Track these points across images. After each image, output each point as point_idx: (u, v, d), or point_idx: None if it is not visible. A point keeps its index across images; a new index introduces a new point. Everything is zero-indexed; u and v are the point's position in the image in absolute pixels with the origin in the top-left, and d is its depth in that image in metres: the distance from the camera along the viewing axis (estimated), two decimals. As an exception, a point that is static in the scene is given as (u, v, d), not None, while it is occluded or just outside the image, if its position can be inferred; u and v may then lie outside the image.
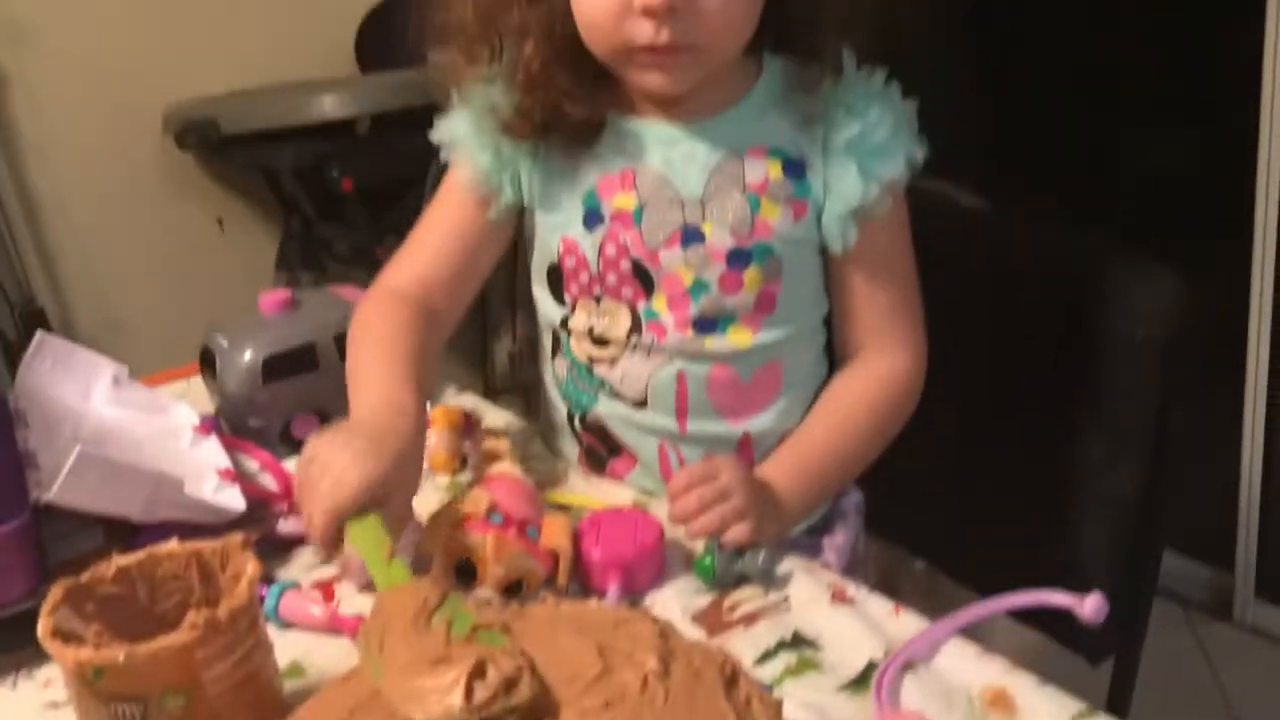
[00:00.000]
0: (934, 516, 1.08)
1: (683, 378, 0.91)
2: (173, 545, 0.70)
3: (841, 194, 0.87)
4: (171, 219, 2.25)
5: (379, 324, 0.90)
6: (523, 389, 2.41)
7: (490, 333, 2.48)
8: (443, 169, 0.97)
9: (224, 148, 2.10)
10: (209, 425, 0.99)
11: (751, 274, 0.89)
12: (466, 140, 0.93)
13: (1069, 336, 0.97)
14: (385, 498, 0.74)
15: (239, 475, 0.92)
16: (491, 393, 2.43)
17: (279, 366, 1.00)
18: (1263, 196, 1.66)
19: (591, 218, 0.91)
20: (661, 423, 0.93)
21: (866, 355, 0.93)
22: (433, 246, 0.95)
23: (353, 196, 2.07)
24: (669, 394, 0.92)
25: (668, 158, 0.89)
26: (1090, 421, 0.97)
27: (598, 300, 0.92)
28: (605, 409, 0.95)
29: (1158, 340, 0.93)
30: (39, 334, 0.99)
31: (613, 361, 0.93)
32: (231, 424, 1.02)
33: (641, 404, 0.93)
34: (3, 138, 2.04)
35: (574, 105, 0.87)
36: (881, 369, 0.92)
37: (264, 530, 0.88)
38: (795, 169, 0.88)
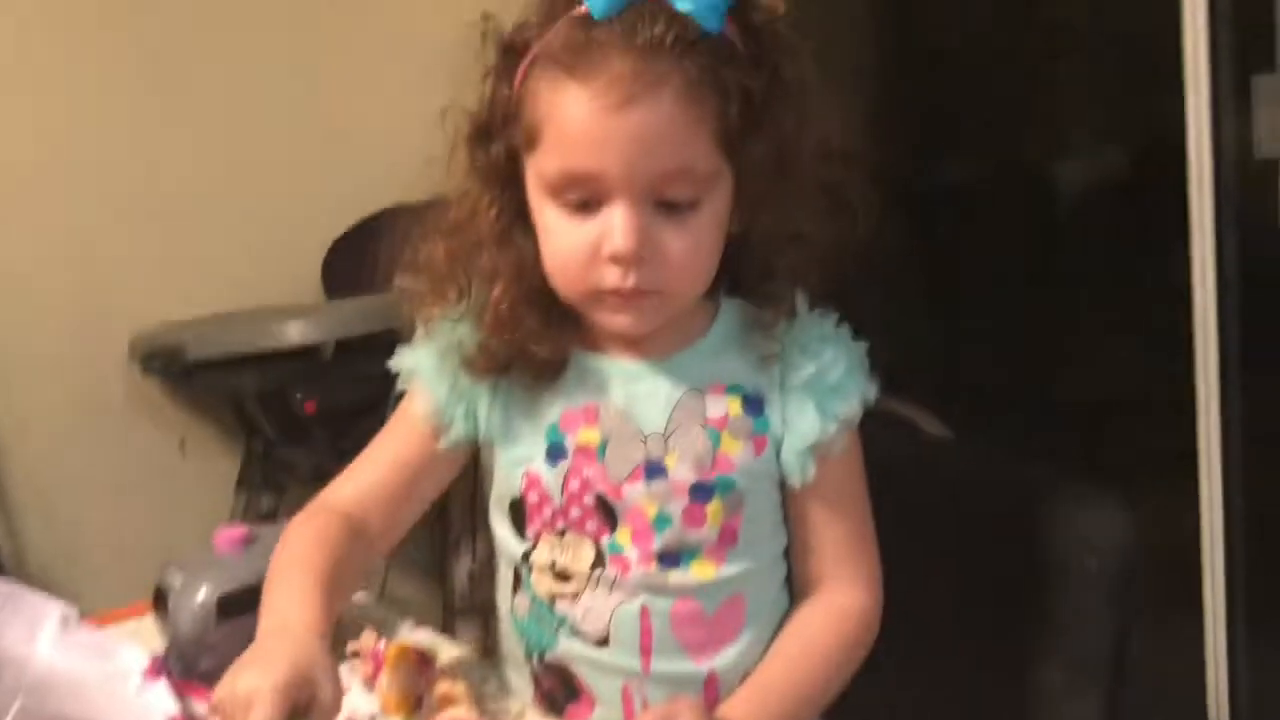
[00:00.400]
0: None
1: (646, 613, 0.91)
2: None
3: (800, 430, 0.90)
4: (133, 443, 2.23)
5: (298, 541, 0.92)
6: (482, 610, 2.37)
7: (450, 551, 2.45)
8: (400, 395, 0.98)
9: (189, 374, 2.11)
10: (158, 668, 0.97)
11: (714, 507, 0.90)
12: (426, 369, 0.95)
13: (1025, 563, 0.98)
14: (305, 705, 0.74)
15: (187, 722, 0.90)
16: (450, 613, 2.38)
17: (234, 605, 0.99)
18: (1204, 416, 1.70)
19: (555, 452, 0.92)
20: (625, 662, 0.92)
21: (825, 589, 0.93)
22: (376, 469, 0.97)
23: (314, 419, 2.07)
24: (633, 631, 0.91)
25: (630, 393, 0.91)
26: (1051, 649, 0.97)
27: (561, 534, 0.93)
28: (566, 648, 0.94)
29: (1110, 568, 0.94)
30: (-16, 581, 0.97)
31: (575, 597, 0.92)
32: (183, 665, 1.00)
33: (603, 642, 0.92)
34: (-37, 363, 2.05)
35: (540, 345, 0.90)
36: (841, 603, 0.93)
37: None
38: (754, 405, 0.91)
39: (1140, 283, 1.84)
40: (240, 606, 0.98)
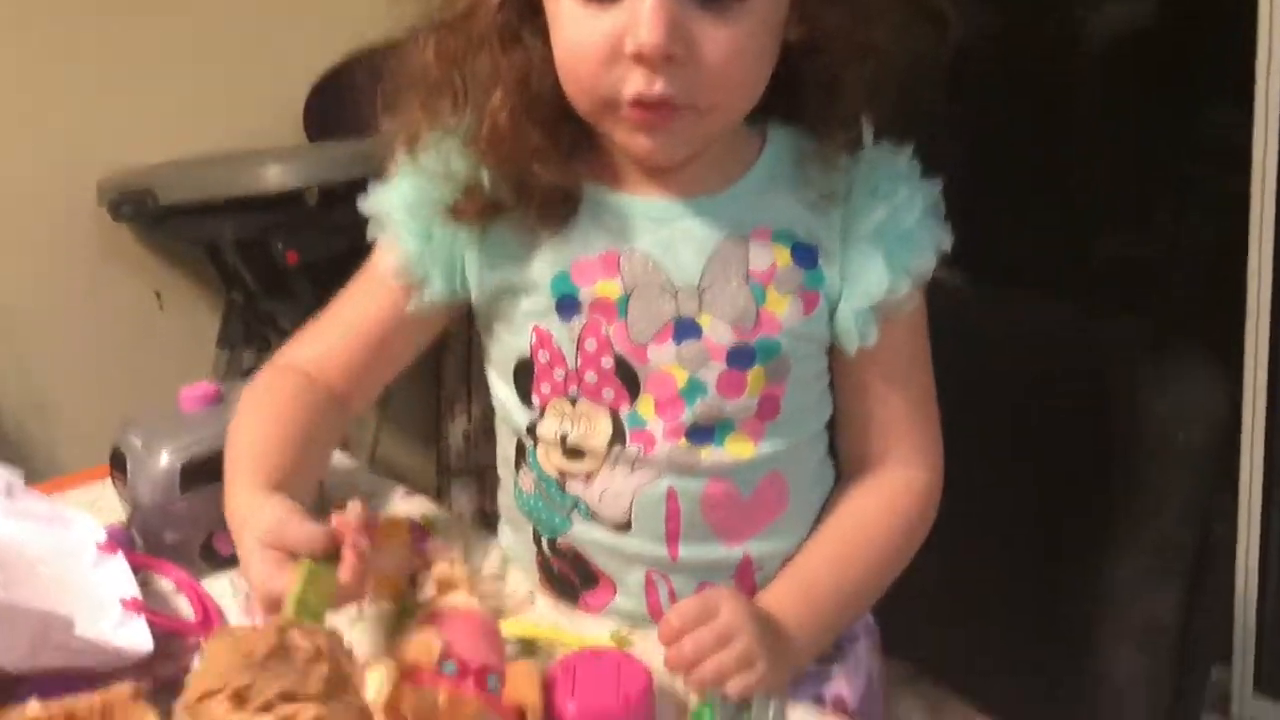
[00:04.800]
0: (947, 635, 0.97)
1: (673, 495, 0.79)
2: (33, 707, 0.56)
3: (864, 287, 0.77)
4: (105, 294, 2.11)
5: (266, 399, 0.82)
6: (477, 471, 2.29)
7: (443, 411, 2.36)
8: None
9: (162, 219, 1.98)
10: (115, 541, 0.86)
11: (755, 374, 0.77)
12: (397, 218, 0.81)
13: (1101, 441, 0.87)
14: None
15: (148, 604, 0.79)
16: (445, 474, 2.30)
17: (200, 472, 0.86)
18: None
19: (566, 305, 0.79)
20: (648, 549, 0.80)
21: (880, 467, 0.82)
22: (341, 329, 0.85)
23: (297, 269, 1.94)
24: (657, 515, 0.79)
25: (659, 239, 0.77)
26: (1126, 537, 0.86)
27: (573, 402, 0.80)
28: (580, 532, 0.82)
29: (1201, 442, 0.82)
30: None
31: (589, 477, 0.80)
32: (145, 537, 0.88)
33: (624, 527, 0.80)
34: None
35: (545, 167, 0.76)
36: (897, 483, 0.81)
37: (176, 669, 0.75)
38: (806, 255, 0.77)
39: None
40: (207, 474, 0.86)
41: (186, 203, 1.92)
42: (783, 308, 0.77)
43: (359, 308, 0.84)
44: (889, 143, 0.78)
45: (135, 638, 0.74)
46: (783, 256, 0.77)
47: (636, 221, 0.78)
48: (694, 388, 0.77)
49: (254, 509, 0.73)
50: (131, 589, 0.80)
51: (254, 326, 2.16)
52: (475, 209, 0.78)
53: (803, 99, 0.76)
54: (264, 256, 1.96)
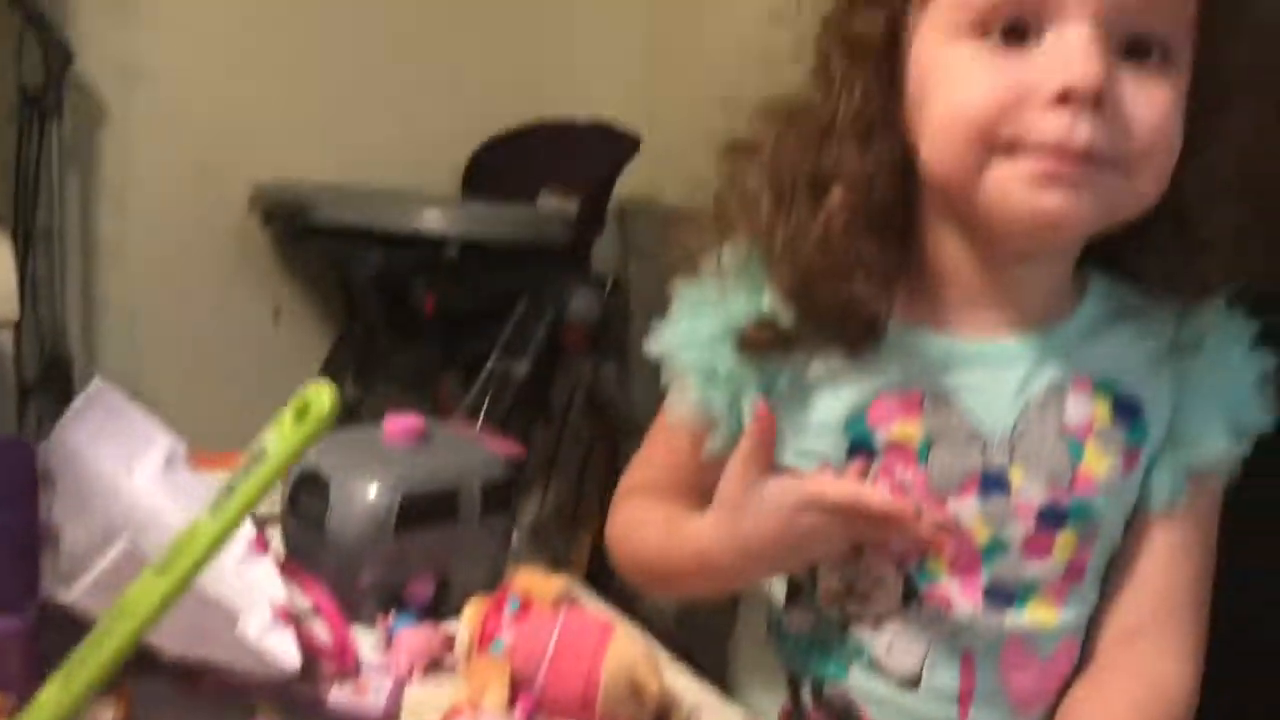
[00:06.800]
0: None
1: (969, 655, 0.72)
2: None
3: (1196, 444, 0.70)
4: (229, 297, 2.11)
5: (638, 515, 0.80)
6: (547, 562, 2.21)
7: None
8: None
9: (308, 237, 1.97)
10: (265, 541, 0.80)
11: (1065, 538, 0.70)
12: (685, 358, 0.76)
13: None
14: None
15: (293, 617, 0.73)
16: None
17: (417, 512, 0.78)
18: None
19: (859, 448, 0.71)
20: (935, 709, 0.72)
21: (1138, 650, 0.73)
22: (659, 471, 0.81)
23: (431, 318, 1.92)
24: (951, 675, 0.72)
25: (968, 380, 0.71)
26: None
27: (858, 553, 0.72)
28: (859, 683, 0.73)
29: None
30: (95, 381, 0.81)
31: (877, 622, 0.72)
32: (334, 579, 0.77)
33: (912, 683, 0.72)
34: (84, 171, 1.92)
35: (869, 284, 0.69)
36: (1158, 676, 0.72)
37: (309, 698, 0.68)
38: (1128, 409, 0.71)
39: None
40: (424, 516, 0.78)
41: (337, 225, 1.92)
42: (1102, 466, 0.70)
43: (671, 452, 0.80)
44: (1230, 306, 0.72)
45: (283, 649, 0.68)
46: (1103, 409, 0.71)
47: (944, 358, 0.71)
48: (995, 546, 0.70)
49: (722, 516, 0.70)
50: (281, 594, 0.74)
51: (366, 362, 2.14)
52: (767, 340, 0.72)
53: (1151, 239, 0.70)
54: (399, 295, 1.95)
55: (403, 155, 2.16)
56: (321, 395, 0.51)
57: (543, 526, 2.26)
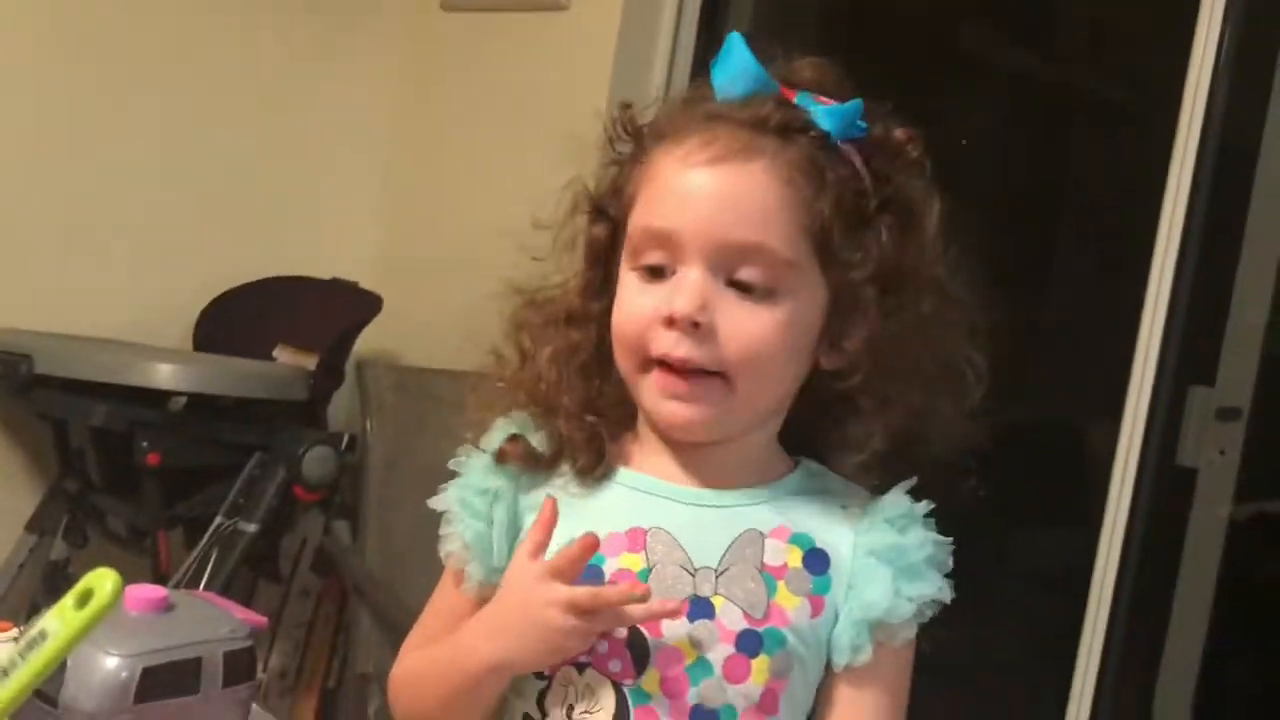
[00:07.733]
0: None
1: None
2: None
3: (867, 599, 0.81)
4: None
5: (426, 654, 0.86)
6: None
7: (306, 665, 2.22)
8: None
9: (29, 388, 1.90)
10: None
11: (760, 664, 0.80)
12: (462, 502, 0.85)
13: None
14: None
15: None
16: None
17: (157, 683, 0.79)
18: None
19: (589, 575, 0.81)
20: None
21: None
22: (444, 620, 0.87)
23: (154, 472, 1.88)
24: None
25: (683, 522, 0.83)
26: None
27: (580, 670, 0.81)
28: None
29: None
30: None
31: None
32: None
33: None
34: None
35: (578, 420, 0.83)
36: None
37: None
38: (817, 561, 0.83)
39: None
40: (164, 687, 0.79)
41: (62, 377, 1.87)
42: (793, 604, 0.81)
43: (446, 597, 0.88)
44: (907, 489, 0.84)
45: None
46: (794, 557, 0.82)
47: (665, 503, 0.84)
48: (701, 667, 0.80)
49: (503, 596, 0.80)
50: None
51: (77, 518, 2.05)
52: (517, 454, 0.84)
53: (827, 433, 0.85)
54: (121, 450, 1.90)
55: (131, 307, 2.14)
56: (105, 582, 0.54)
57: (265, 688, 2.20)
